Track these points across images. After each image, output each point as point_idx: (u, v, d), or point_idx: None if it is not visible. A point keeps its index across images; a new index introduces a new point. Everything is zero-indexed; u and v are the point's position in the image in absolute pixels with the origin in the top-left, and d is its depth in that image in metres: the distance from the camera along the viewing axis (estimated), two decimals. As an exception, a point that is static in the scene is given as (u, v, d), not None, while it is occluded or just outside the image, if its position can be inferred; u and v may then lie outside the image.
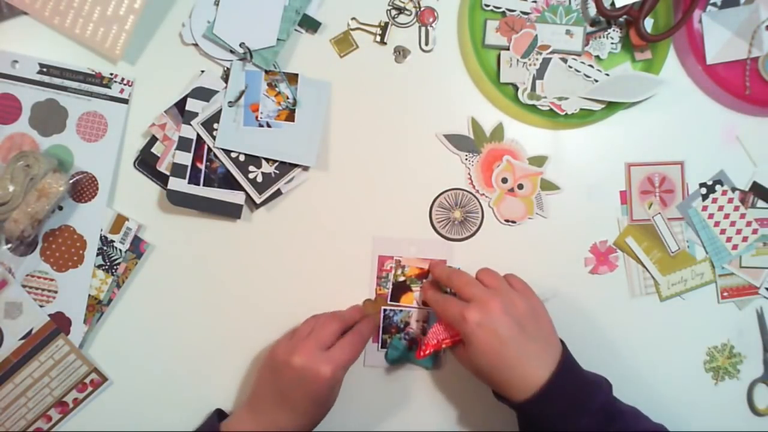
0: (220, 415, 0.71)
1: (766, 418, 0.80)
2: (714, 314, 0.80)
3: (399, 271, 0.76)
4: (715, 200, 0.78)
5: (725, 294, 0.79)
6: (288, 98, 0.72)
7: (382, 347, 0.76)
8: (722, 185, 0.78)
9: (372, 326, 0.73)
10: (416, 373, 0.76)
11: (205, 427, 0.70)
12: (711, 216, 0.78)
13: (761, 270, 0.79)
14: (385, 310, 0.75)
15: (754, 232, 0.78)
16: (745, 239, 0.78)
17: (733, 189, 0.79)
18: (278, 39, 0.72)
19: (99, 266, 0.71)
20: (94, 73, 0.71)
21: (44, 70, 0.70)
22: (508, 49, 0.75)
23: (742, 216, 0.78)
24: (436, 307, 0.70)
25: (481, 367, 0.64)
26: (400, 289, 0.76)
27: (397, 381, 0.76)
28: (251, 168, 0.72)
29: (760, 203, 0.79)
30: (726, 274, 0.79)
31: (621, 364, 0.78)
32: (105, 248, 0.71)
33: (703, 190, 0.78)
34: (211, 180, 0.72)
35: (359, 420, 0.76)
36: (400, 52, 0.75)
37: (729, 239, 0.78)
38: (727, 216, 0.78)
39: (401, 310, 0.76)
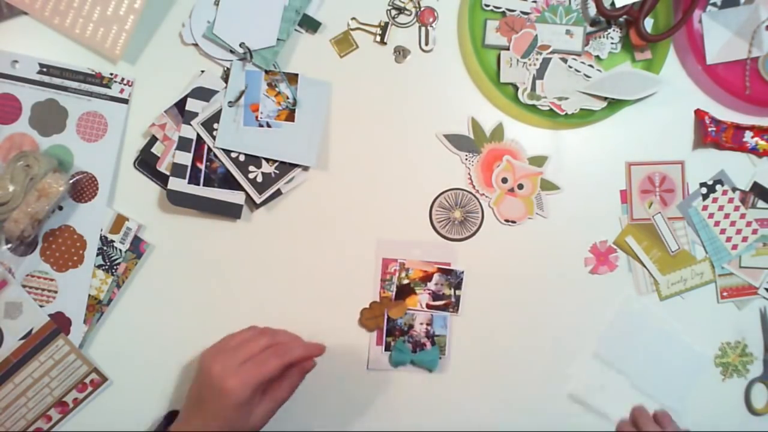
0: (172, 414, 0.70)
1: (760, 417, 0.80)
2: (713, 314, 0.80)
3: (403, 274, 0.75)
4: (715, 200, 0.78)
5: (725, 294, 0.79)
6: (288, 98, 0.72)
7: (386, 350, 0.76)
8: (723, 185, 0.78)
9: (302, 350, 0.67)
10: (420, 375, 0.76)
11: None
12: (711, 216, 0.78)
13: (761, 270, 0.79)
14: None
15: (754, 232, 0.78)
16: (744, 239, 0.78)
17: (734, 189, 0.79)
18: (278, 39, 0.72)
19: (99, 266, 0.71)
20: (94, 73, 0.71)
21: (44, 70, 0.70)
22: (508, 49, 0.75)
23: (743, 216, 0.78)
24: None
25: None
26: (404, 292, 0.76)
27: (401, 383, 0.76)
28: (251, 168, 0.72)
29: (761, 203, 0.79)
30: (726, 273, 0.79)
31: (622, 363, 0.78)
32: (105, 248, 0.71)
33: (704, 190, 0.78)
34: (211, 180, 0.72)
35: (363, 422, 0.76)
36: (400, 52, 0.75)
37: (729, 239, 0.78)
38: (727, 216, 0.78)
39: (405, 313, 0.76)
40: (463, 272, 0.76)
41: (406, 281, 0.76)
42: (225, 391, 0.62)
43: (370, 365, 0.76)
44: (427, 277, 0.76)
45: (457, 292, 0.76)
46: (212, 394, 0.63)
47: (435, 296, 0.76)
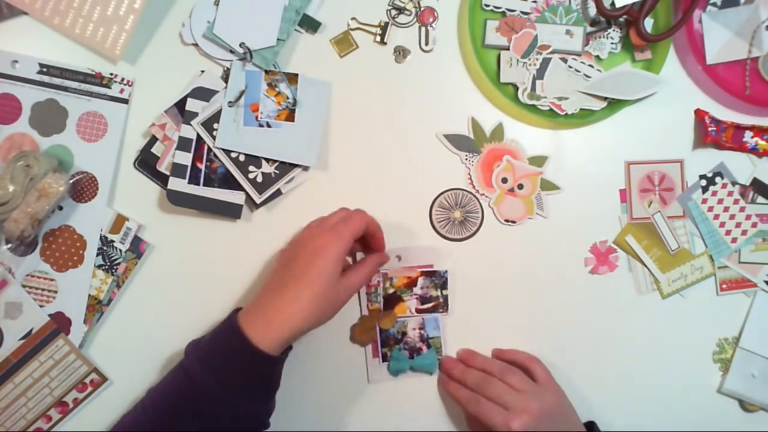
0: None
1: (755, 414, 0.80)
2: (713, 307, 0.79)
3: (387, 284, 0.75)
4: (714, 193, 0.78)
5: (724, 286, 0.79)
6: (288, 98, 0.72)
7: (383, 361, 0.75)
8: (722, 177, 0.78)
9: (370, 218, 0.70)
10: (421, 380, 0.76)
11: (224, 324, 0.66)
12: (711, 209, 0.78)
13: (760, 266, 0.79)
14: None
15: (753, 225, 0.78)
16: (744, 233, 0.78)
17: (734, 183, 0.78)
18: (278, 39, 0.72)
19: (99, 266, 0.71)
20: (94, 73, 0.71)
21: (44, 70, 0.70)
22: (508, 49, 0.75)
23: (742, 209, 0.78)
24: (477, 409, 0.69)
25: None
26: (392, 301, 0.75)
27: (405, 391, 0.76)
28: (251, 168, 0.72)
29: (760, 199, 0.79)
30: (725, 265, 0.79)
31: (623, 363, 0.78)
32: (105, 248, 0.71)
33: (703, 182, 0.78)
34: (211, 180, 0.72)
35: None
36: (400, 52, 0.75)
37: (728, 233, 0.78)
38: (726, 209, 0.78)
39: (396, 321, 0.75)
40: (446, 271, 0.76)
41: (391, 290, 0.75)
42: (321, 248, 0.64)
43: (370, 379, 0.76)
44: (411, 283, 0.76)
45: (444, 291, 0.76)
46: (307, 258, 0.64)
47: (423, 300, 0.76)
